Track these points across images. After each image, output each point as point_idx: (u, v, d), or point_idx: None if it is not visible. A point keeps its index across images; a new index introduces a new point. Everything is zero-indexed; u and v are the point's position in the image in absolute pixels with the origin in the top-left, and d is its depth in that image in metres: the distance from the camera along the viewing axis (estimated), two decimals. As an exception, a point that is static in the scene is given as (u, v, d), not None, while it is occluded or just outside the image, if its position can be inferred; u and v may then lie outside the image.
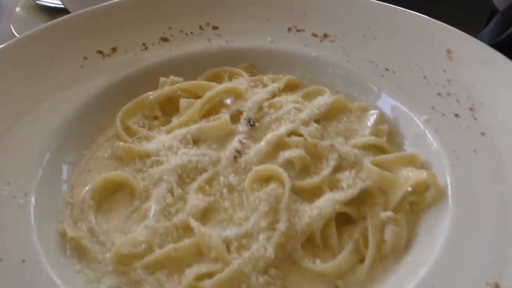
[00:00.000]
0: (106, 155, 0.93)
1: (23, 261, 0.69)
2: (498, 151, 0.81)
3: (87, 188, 0.84)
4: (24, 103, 0.93)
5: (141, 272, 0.71)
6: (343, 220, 0.79)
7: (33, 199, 0.78)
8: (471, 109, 0.90)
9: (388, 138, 0.93)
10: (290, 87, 1.05)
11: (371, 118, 0.95)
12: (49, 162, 0.86)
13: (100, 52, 1.07)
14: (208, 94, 0.97)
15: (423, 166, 0.85)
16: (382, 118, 0.96)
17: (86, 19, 1.09)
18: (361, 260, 0.74)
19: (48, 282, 0.67)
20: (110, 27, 1.10)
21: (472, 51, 0.98)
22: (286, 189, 0.78)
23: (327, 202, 0.76)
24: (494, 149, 0.82)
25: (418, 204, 0.80)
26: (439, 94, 0.94)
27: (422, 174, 0.79)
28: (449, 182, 0.79)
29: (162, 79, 1.03)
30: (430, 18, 1.06)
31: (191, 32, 1.14)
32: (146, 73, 1.05)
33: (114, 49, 1.09)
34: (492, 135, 0.84)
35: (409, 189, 0.82)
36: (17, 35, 1.27)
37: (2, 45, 1.00)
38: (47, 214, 0.79)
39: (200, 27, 1.15)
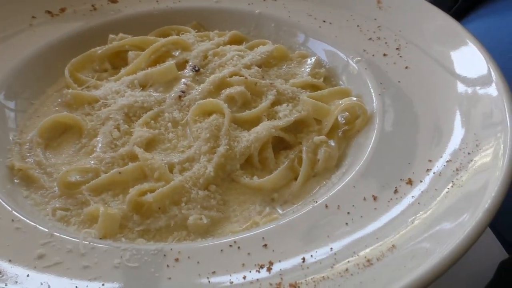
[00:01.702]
0: (56, 103, 0.96)
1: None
2: (419, 80, 0.89)
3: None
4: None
5: (87, 194, 0.75)
6: (281, 146, 0.85)
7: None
8: (397, 48, 0.98)
9: (325, 81, 1.00)
10: (235, 41, 1.11)
11: (310, 63, 1.02)
12: (-3, 107, 0.88)
13: (49, 12, 1.10)
14: (155, 44, 1.01)
15: (355, 98, 0.92)
16: (319, 63, 1.03)
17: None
18: (296, 179, 0.80)
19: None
20: (59, -11, 1.13)
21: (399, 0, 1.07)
22: (226, 117, 0.83)
23: (264, 127, 0.82)
24: (415, 78, 0.90)
25: (349, 130, 0.87)
26: (370, 39, 1.02)
27: (352, 100, 0.86)
28: (375, 107, 0.86)
29: (111, 36, 1.07)
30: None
31: (140, -5, 1.18)
32: (96, 31, 1.09)
33: (62, 10, 1.12)
34: (414, 68, 0.92)
35: (343, 120, 0.89)
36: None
37: None
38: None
39: (149, -10, 1.19)
